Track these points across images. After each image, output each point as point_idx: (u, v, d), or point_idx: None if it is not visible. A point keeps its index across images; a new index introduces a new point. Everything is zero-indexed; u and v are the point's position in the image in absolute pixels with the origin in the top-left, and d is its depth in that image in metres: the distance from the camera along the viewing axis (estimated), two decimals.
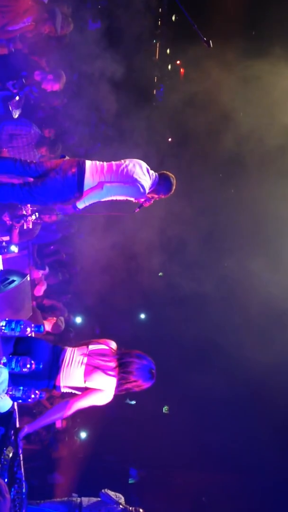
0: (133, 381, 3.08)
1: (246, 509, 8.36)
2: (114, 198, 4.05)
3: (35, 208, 5.62)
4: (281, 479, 8.40)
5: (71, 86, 6.82)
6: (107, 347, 3.17)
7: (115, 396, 3.18)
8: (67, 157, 4.06)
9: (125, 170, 4.00)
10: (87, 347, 3.17)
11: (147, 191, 4.08)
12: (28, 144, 5.60)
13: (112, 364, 3.08)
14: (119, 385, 3.07)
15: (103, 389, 3.07)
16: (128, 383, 3.08)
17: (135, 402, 9.78)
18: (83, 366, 3.06)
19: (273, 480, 8.41)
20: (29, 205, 5.36)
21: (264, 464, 8.49)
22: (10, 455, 2.82)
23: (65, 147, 6.37)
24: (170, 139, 10.53)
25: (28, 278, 5.18)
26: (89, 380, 3.05)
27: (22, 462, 3.16)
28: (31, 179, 4.05)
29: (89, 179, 3.91)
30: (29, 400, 2.88)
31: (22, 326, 2.87)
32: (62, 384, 3.08)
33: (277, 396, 8.48)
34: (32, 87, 5.08)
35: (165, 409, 10.20)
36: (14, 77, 4.92)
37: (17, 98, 4.96)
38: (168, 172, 4.22)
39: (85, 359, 3.08)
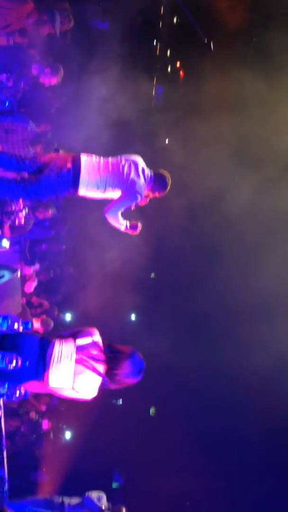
0: (121, 378, 3.03)
1: None
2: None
3: (26, 203, 5.59)
4: (268, 486, 8.39)
5: (69, 83, 6.79)
6: (95, 340, 3.09)
7: (101, 396, 3.15)
8: (61, 151, 4.03)
9: (120, 171, 4.02)
10: (74, 341, 3.07)
11: (143, 193, 4.13)
12: (23, 140, 5.56)
13: (101, 359, 3.02)
14: (106, 380, 3.01)
15: (87, 394, 3.02)
16: (115, 379, 3.02)
17: (121, 402, 9.74)
18: (73, 364, 2.98)
19: (259, 486, 8.40)
20: (20, 200, 5.34)
21: (251, 470, 8.50)
22: None
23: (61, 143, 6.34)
24: (167, 141, 10.51)
25: (19, 274, 5.15)
26: (77, 383, 2.98)
27: (5, 460, 3.13)
28: (26, 175, 4.02)
29: (84, 176, 3.91)
30: (14, 397, 2.84)
31: (9, 322, 2.83)
32: (50, 382, 2.98)
33: (266, 400, 8.47)
34: (26, 78, 5.01)
35: (151, 411, 10.16)
36: (8, 70, 4.87)
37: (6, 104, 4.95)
38: (163, 171, 4.28)
39: (74, 356, 2.99)
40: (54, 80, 5.46)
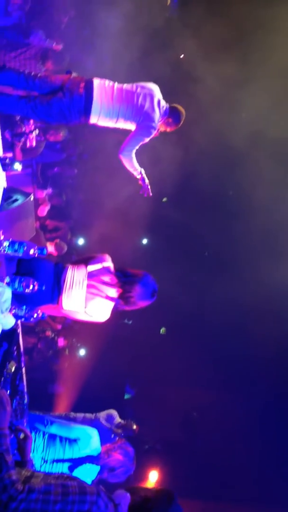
0: (135, 301, 3.09)
1: (233, 425, 8.86)
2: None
3: (38, 125, 5.44)
4: (273, 397, 8.77)
5: None
6: (105, 266, 3.14)
7: (114, 317, 3.25)
8: (74, 74, 3.84)
9: (135, 102, 3.82)
10: (86, 267, 3.12)
11: (157, 127, 3.99)
12: (35, 55, 5.28)
13: (113, 284, 3.07)
14: (119, 303, 3.09)
15: (100, 317, 3.12)
16: (129, 302, 3.09)
17: (131, 322, 10.02)
18: (84, 290, 3.04)
19: (264, 398, 8.79)
20: (31, 121, 5.19)
21: (256, 383, 8.88)
22: (13, 369, 2.95)
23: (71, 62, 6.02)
24: (182, 56, 9.90)
25: (32, 198, 5.12)
26: (89, 307, 3.06)
27: (24, 375, 3.31)
28: (36, 94, 3.87)
29: (97, 104, 3.72)
30: (32, 319, 2.95)
31: (25, 248, 2.86)
32: (64, 306, 3.08)
33: (273, 324, 8.67)
34: None
35: (162, 330, 10.46)
36: None
37: None
38: (179, 106, 4.11)
39: (85, 282, 3.05)
40: None
